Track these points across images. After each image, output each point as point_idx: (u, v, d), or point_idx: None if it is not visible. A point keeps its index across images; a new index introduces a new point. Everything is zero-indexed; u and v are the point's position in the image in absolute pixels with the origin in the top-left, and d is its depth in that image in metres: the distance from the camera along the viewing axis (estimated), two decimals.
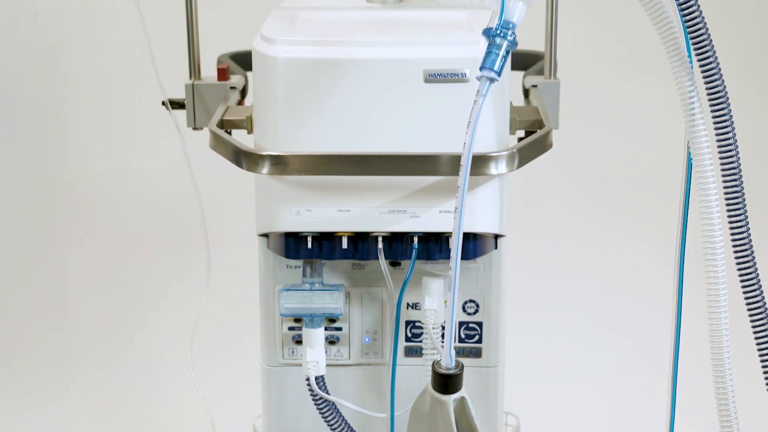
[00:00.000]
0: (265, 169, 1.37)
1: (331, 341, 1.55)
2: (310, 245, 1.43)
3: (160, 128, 1.92)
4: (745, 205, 1.33)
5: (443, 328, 1.46)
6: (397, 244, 1.43)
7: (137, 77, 2.44)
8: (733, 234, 1.34)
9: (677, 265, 1.46)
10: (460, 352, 1.55)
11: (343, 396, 1.55)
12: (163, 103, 1.67)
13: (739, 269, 1.35)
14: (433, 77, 1.32)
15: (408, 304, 1.53)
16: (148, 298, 2.82)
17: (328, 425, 1.54)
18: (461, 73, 1.31)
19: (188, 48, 1.68)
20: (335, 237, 1.43)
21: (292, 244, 1.44)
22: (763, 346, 1.37)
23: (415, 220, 1.40)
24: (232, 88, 1.66)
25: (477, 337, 1.55)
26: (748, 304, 1.36)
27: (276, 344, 1.55)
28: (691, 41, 1.29)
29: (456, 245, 1.22)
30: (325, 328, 1.52)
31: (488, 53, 1.20)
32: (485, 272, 1.51)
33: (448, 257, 1.36)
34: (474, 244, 1.43)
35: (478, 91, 1.20)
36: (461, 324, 1.54)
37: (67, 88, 2.76)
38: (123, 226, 2.81)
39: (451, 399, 1.32)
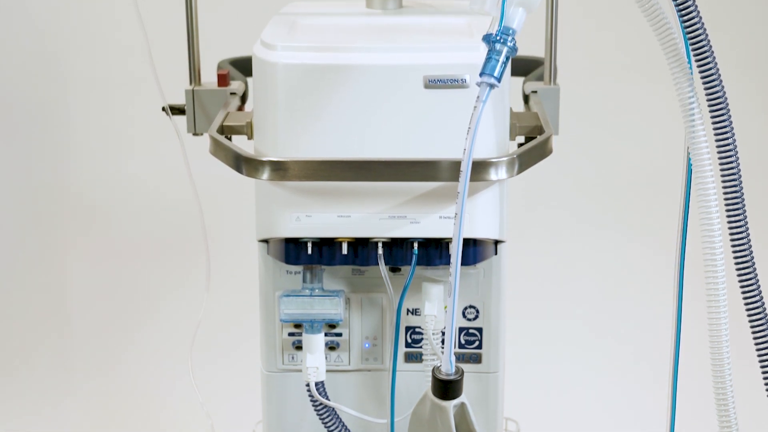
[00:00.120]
0: (266, 174, 1.37)
1: (331, 347, 1.55)
2: (310, 251, 1.43)
3: (161, 134, 1.93)
4: (744, 210, 1.33)
5: (443, 333, 1.46)
6: (397, 250, 1.43)
7: (137, 83, 2.45)
8: (732, 239, 1.34)
9: (677, 270, 1.46)
10: (460, 358, 1.55)
11: (343, 402, 1.55)
12: (164, 109, 1.67)
13: (739, 274, 1.35)
14: (433, 83, 1.32)
15: (408, 310, 1.53)
16: (149, 303, 2.82)
17: (328, 431, 1.54)
18: (461, 79, 1.31)
19: (188, 54, 1.68)
20: (335, 243, 1.43)
21: (292, 250, 1.44)
22: (762, 351, 1.37)
23: (415, 226, 1.40)
24: (232, 93, 1.66)
25: (477, 343, 1.55)
26: (747, 309, 1.36)
27: (276, 350, 1.55)
28: (690, 47, 1.29)
29: (456, 251, 1.22)
30: (325, 334, 1.52)
31: (488, 59, 1.20)
32: (485, 278, 1.51)
33: (448, 263, 1.36)
34: (474, 250, 1.43)
35: (478, 96, 1.20)
36: (461, 330, 1.54)
37: (68, 94, 2.77)
38: (123, 232, 2.81)
39: (451, 405, 1.32)
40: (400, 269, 1.49)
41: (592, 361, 2.77)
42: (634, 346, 2.78)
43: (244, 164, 1.38)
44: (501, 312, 1.54)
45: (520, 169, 1.38)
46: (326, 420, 1.53)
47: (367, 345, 1.55)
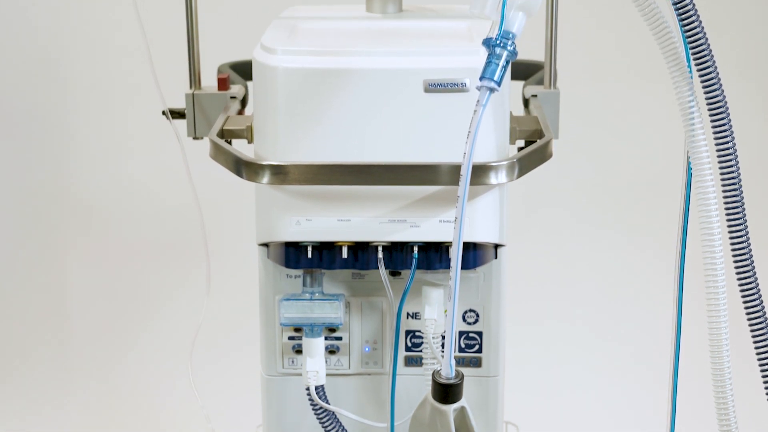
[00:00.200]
0: (266, 178, 1.37)
1: (331, 351, 1.55)
2: (310, 255, 1.43)
3: (161, 138, 1.93)
4: (744, 214, 1.33)
5: (443, 337, 1.46)
6: (397, 254, 1.43)
7: (138, 87, 2.45)
8: (732, 241, 1.34)
9: (677, 273, 1.46)
10: (460, 362, 1.55)
11: (343, 406, 1.55)
12: (164, 113, 1.67)
13: (739, 278, 1.35)
14: (433, 87, 1.32)
15: (408, 314, 1.53)
16: (149, 306, 2.82)
17: None
18: (461, 83, 1.31)
19: (188, 58, 1.68)
20: (335, 247, 1.43)
21: (292, 254, 1.44)
22: (762, 354, 1.37)
23: (415, 230, 1.40)
24: (232, 97, 1.67)
25: (477, 347, 1.55)
26: (747, 312, 1.36)
27: (276, 354, 1.55)
28: (690, 51, 1.29)
29: (456, 255, 1.22)
30: (325, 338, 1.52)
31: (488, 63, 1.20)
32: (485, 282, 1.51)
33: (448, 267, 1.36)
34: (474, 254, 1.43)
35: (478, 101, 1.20)
36: (461, 333, 1.54)
37: (68, 98, 2.77)
38: (124, 236, 2.81)
39: (451, 409, 1.32)
40: (400, 273, 1.49)
41: (592, 364, 2.77)
42: (634, 349, 2.78)
43: (245, 168, 1.38)
44: (501, 316, 1.54)
45: (520, 173, 1.38)
46: (326, 424, 1.53)
47: (367, 349, 1.55)
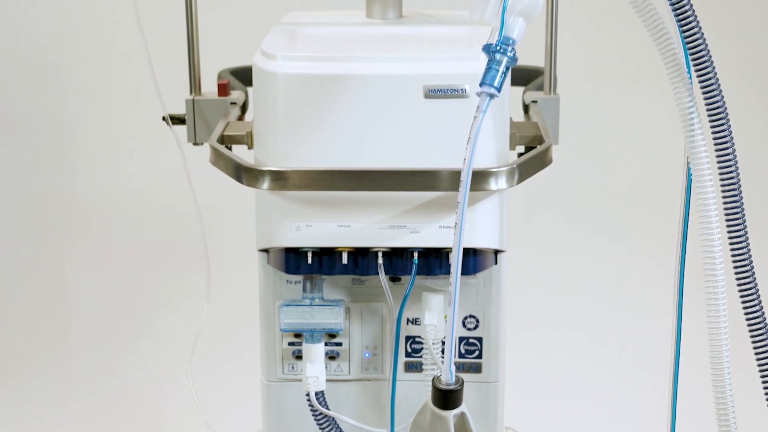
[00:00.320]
0: (266, 184, 1.37)
1: (331, 356, 1.55)
2: (310, 260, 1.43)
3: (161, 144, 1.93)
4: (744, 220, 1.33)
5: (443, 343, 1.46)
6: (397, 260, 1.43)
7: (138, 92, 2.45)
8: (732, 247, 1.34)
9: (677, 278, 1.46)
10: (460, 368, 1.55)
11: (343, 411, 1.55)
12: (164, 119, 1.67)
13: (739, 283, 1.35)
14: (433, 93, 1.32)
15: (408, 320, 1.53)
16: (149, 312, 2.82)
17: None
18: (461, 89, 1.31)
19: (189, 63, 1.68)
20: (335, 252, 1.43)
21: (292, 260, 1.44)
22: (762, 360, 1.37)
23: (415, 236, 1.40)
24: (232, 103, 1.67)
25: (477, 353, 1.55)
26: (747, 318, 1.36)
27: (276, 359, 1.55)
28: (690, 57, 1.29)
29: (456, 260, 1.22)
30: (325, 344, 1.52)
31: (488, 69, 1.20)
32: (485, 287, 1.51)
33: (448, 272, 1.36)
34: (474, 260, 1.43)
35: (478, 106, 1.20)
36: (461, 339, 1.54)
37: (69, 104, 2.77)
38: (124, 241, 2.81)
39: (451, 414, 1.32)
40: (400, 279, 1.49)
41: (592, 369, 2.77)
42: (635, 355, 2.78)
43: (245, 174, 1.38)
44: (501, 321, 1.54)
45: (520, 179, 1.38)
46: (326, 430, 1.53)
47: (367, 354, 1.55)
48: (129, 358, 2.78)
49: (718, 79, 1.29)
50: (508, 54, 1.21)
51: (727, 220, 1.33)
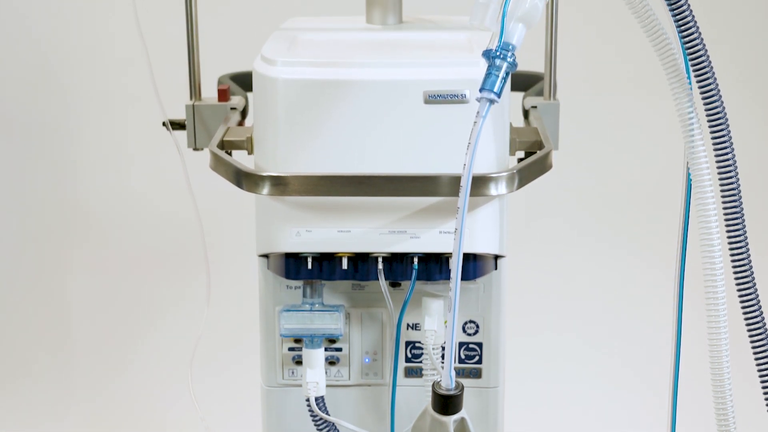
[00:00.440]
0: (266, 189, 1.37)
1: (331, 362, 1.55)
2: (310, 266, 1.43)
3: (161, 149, 1.93)
4: (744, 225, 1.33)
5: (443, 348, 1.46)
6: (397, 265, 1.43)
7: (138, 98, 2.45)
8: (732, 252, 1.34)
9: (677, 284, 1.46)
10: (460, 373, 1.55)
11: (343, 417, 1.55)
12: (164, 124, 1.67)
13: (739, 289, 1.35)
14: (433, 98, 1.32)
15: (408, 325, 1.53)
16: (149, 317, 2.82)
17: None
18: (461, 95, 1.31)
19: (189, 69, 1.68)
20: (335, 258, 1.43)
21: (292, 265, 1.44)
22: (762, 365, 1.37)
23: (416, 241, 1.40)
24: (232, 108, 1.67)
25: (477, 358, 1.55)
26: (747, 324, 1.36)
27: (276, 365, 1.55)
28: (690, 63, 1.29)
29: (456, 266, 1.22)
30: (325, 349, 1.52)
31: (488, 75, 1.20)
32: (485, 293, 1.51)
33: (448, 278, 1.36)
34: (474, 265, 1.43)
35: (477, 112, 1.20)
36: (461, 345, 1.54)
37: (69, 109, 2.77)
38: (124, 246, 2.81)
39: (451, 420, 1.32)
40: (400, 284, 1.49)
41: (592, 374, 2.77)
42: (634, 360, 2.77)
43: (245, 179, 1.38)
44: (501, 327, 1.54)
45: (520, 184, 1.38)
46: None
47: (367, 360, 1.55)
48: (129, 362, 2.78)
49: (717, 85, 1.29)
50: (508, 59, 1.21)
51: (727, 225, 1.33)
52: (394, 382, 1.51)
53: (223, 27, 2.49)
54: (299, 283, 1.49)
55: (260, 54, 1.42)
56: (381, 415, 1.57)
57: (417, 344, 1.54)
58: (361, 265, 1.43)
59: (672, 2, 1.27)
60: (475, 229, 1.41)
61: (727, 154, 1.31)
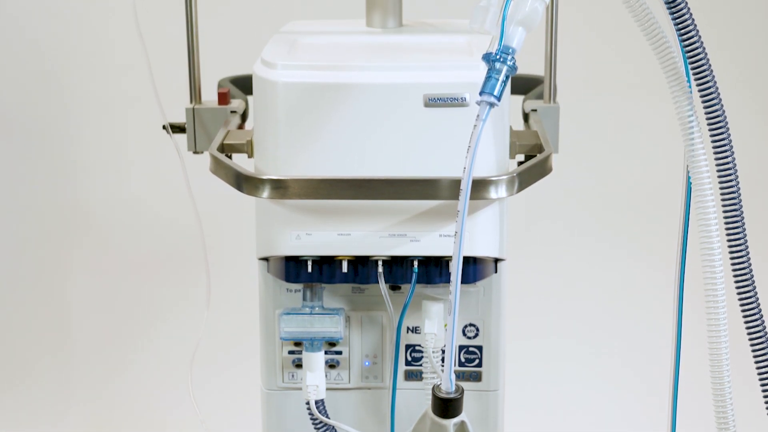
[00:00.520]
0: (266, 193, 1.37)
1: (331, 365, 1.55)
2: (310, 269, 1.43)
3: (161, 152, 1.93)
4: (744, 228, 1.33)
5: (443, 351, 1.46)
6: (397, 268, 1.43)
7: (138, 101, 2.45)
8: (732, 255, 1.34)
9: (677, 286, 1.46)
10: (460, 376, 1.55)
11: (343, 420, 1.55)
12: (164, 127, 1.67)
13: (739, 291, 1.35)
14: (433, 102, 1.32)
15: (408, 328, 1.53)
16: (149, 320, 2.82)
17: None
18: (461, 98, 1.31)
19: (189, 72, 1.68)
20: (335, 261, 1.43)
21: (292, 268, 1.44)
22: (763, 370, 1.37)
23: (415, 244, 1.40)
24: (232, 112, 1.67)
25: (477, 361, 1.55)
26: (747, 327, 1.36)
27: (276, 368, 1.55)
28: (689, 66, 1.29)
29: (456, 269, 1.22)
30: (325, 352, 1.52)
31: (488, 78, 1.20)
32: (485, 296, 1.51)
33: (448, 281, 1.36)
34: (474, 268, 1.43)
35: (477, 115, 1.20)
36: (461, 348, 1.54)
37: (68, 112, 2.77)
38: (124, 250, 2.81)
39: (451, 423, 1.32)
40: (400, 287, 1.49)
41: (593, 377, 2.77)
42: (635, 362, 2.77)
43: (245, 182, 1.38)
44: (501, 330, 1.54)
45: (520, 188, 1.38)
46: None
47: (367, 363, 1.55)
48: (129, 365, 2.78)
49: (717, 88, 1.30)
50: (508, 63, 1.21)
51: (727, 228, 1.33)
52: (394, 386, 1.51)
53: (223, 30, 2.49)
54: (299, 286, 1.49)
55: (260, 57, 1.42)
56: (381, 418, 1.57)
57: (417, 347, 1.54)
58: (361, 268, 1.43)
59: (671, 4, 1.27)
60: (475, 233, 1.41)
61: (726, 156, 1.31)
